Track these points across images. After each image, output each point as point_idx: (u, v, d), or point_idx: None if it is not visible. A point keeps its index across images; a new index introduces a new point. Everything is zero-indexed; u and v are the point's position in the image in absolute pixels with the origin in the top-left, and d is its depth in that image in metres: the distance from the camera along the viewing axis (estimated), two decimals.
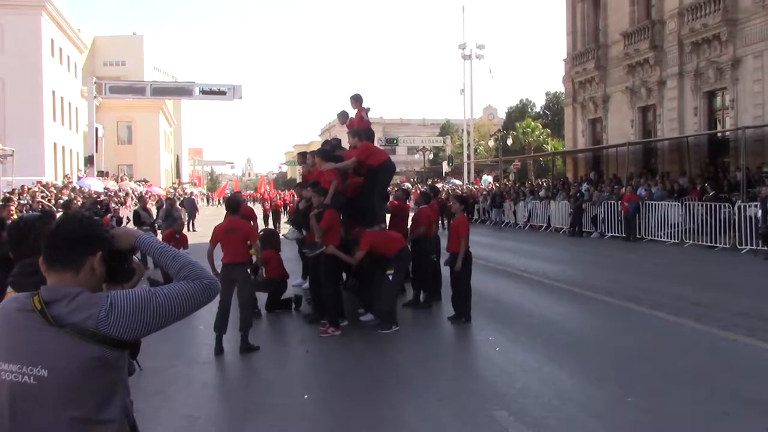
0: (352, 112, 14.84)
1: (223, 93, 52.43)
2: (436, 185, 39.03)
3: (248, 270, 10.66)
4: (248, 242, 10.44)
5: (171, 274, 2.95)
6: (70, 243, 2.73)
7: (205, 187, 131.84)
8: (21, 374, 2.58)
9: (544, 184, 42.00)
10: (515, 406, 7.39)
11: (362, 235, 11.50)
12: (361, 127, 13.37)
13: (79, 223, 2.81)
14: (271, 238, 14.31)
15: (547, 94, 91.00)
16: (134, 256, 3.12)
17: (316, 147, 15.66)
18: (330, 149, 12.97)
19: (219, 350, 10.00)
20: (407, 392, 8.04)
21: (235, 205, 10.99)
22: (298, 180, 18.82)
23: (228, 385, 8.92)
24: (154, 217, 23.20)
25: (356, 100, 14.59)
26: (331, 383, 8.63)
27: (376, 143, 15.02)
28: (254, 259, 10.99)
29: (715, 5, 31.02)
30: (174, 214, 21.15)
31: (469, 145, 66.36)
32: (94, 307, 2.63)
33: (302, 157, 15.10)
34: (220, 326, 10.06)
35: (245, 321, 10.17)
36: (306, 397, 8.02)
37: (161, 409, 7.59)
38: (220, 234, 10.53)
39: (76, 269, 2.72)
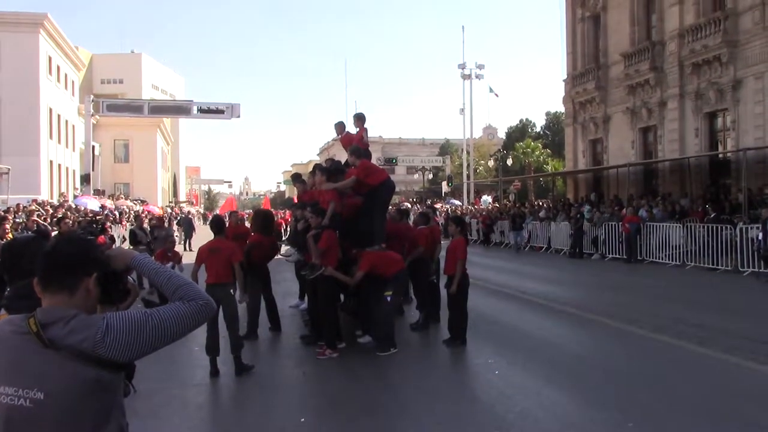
0: (353, 131, 14.74)
1: (222, 112, 52.44)
2: (435, 206, 38.82)
3: (231, 290, 10.51)
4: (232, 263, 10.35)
5: (166, 294, 2.93)
6: (66, 264, 2.72)
7: (202, 206, 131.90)
8: (17, 397, 2.54)
9: (545, 204, 41.88)
10: (514, 430, 7.30)
11: (362, 255, 11.35)
12: (360, 146, 13.25)
13: (74, 244, 2.81)
14: (260, 219, 14.11)
15: (548, 114, 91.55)
16: (129, 277, 3.08)
17: (314, 166, 15.57)
18: (333, 172, 12.83)
19: (214, 372, 9.89)
20: (405, 415, 7.90)
21: (219, 225, 10.91)
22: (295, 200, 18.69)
23: (223, 408, 8.76)
24: (150, 237, 23.02)
25: (359, 119, 14.57)
26: (328, 406, 8.49)
27: (374, 163, 14.92)
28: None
29: (715, 27, 31.15)
30: (156, 234, 20.95)
31: (468, 165, 66.37)
32: (90, 329, 2.60)
33: (297, 178, 14.97)
34: (212, 349, 9.95)
35: (235, 342, 10.06)
36: (302, 420, 7.90)
37: None
38: (204, 254, 10.49)
39: (71, 291, 2.70)
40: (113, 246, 20.43)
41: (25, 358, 2.57)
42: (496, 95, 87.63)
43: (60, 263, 2.72)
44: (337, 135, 15.28)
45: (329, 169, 12.54)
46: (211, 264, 10.28)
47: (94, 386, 2.59)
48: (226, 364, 10.22)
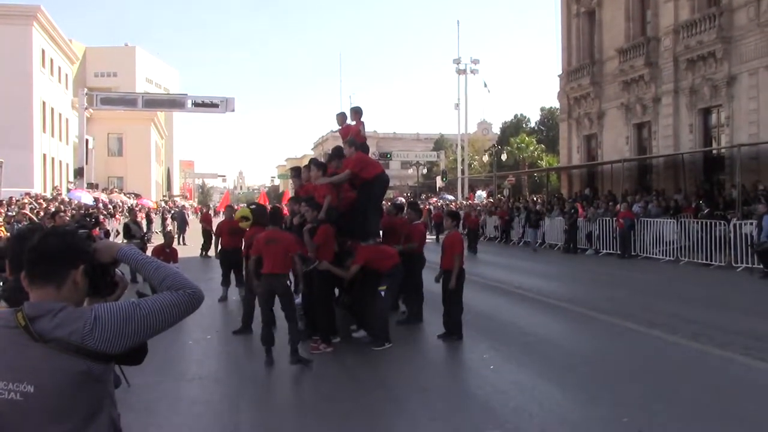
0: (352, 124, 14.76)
1: (216, 105, 52.20)
2: (415, 201, 38.66)
3: (289, 281, 10.45)
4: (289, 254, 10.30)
5: (154, 285, 2.92)
6: (52, 257, 2.72)
7: (196, 200, 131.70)
8: (7, 391, 2.53)
9: (539, 200, 41.85)
10: (509, 426, 7.27)
11: (357, 249, 11.32)
12: (357, 139, 13.22)
13: (60, 237, 2.79)
14: (258, 214, 14.03)
15: (542, 109, 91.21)
16: (117, 269, 3.06)
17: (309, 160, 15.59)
18: (329, 158, 12.81)
19: (270, 362, 9.95)
20: (400, 410, 7.88)
21: (277, 216, 10.86)
22: (291, 194, 18.66)
23: (217, 403, 8.68)
24: (145, 231, 22.98)
25: (356, 112, 14.60)
26: (322, 401, 8.45)
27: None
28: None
29: (710, 23, 31.15)
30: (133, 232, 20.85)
31: (463, 160, 66.42)
32: (79, 322, 2.60)
33: (295, 171, 14.92)
34: (268, 339, 9.99)
35: (295, 333, 10.01)
36: (296, 415, 7.84)
37: (149, 427, 7.43)
38: (260, 244, 10.38)
39: (58, 284, 2.71)
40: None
41: (14, 352, 2.56)
42: (488, 91, 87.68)
43: (46, 256, 2.71)
44: (339, 125, 15.29)
45: (324, 164, 12.52)
46: (268, 254, 10.15)
47: (84, 378, 2.59)
48: (216, 357, 10.20)
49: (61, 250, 2.73)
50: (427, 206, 44.79)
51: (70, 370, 2.55)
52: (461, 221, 31.11)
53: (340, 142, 14.12)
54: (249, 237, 13.00)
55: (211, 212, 55.84)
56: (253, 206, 14.52)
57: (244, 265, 14.26)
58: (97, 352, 2.60)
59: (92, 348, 2.58)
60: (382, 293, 11.14)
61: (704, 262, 22.67)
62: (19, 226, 19.78)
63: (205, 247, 29.34)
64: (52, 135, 57.42)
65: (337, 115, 15.43)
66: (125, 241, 20.53)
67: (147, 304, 2.76)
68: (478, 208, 43.73)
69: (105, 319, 2.64)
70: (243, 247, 14.00)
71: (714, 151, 32.74)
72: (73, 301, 2.72)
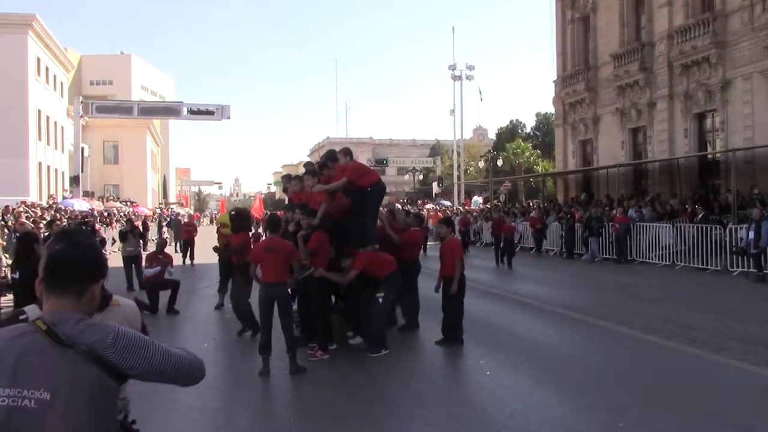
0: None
1: (211, 113, 52.16)
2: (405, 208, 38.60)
3: (289, 290, 10.46)
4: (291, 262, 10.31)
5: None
6: (80, 269, 2.74)
7: (192, 207, 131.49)
8: (21, 398, 2.49)
9: (535, 205, 41.83)
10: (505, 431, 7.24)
11: (356, 255, 11.30)
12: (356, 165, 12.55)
13: (84, 251, 2.80)
14: (242, 218, 13.76)
15: (538, 115, 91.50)
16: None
17: (302, 166, 15.46)
18: (323, 163, 12.67)
19: (265, 372, 9.85)
20: (396, 417, 7.88)
21: (276, 224, 10.84)
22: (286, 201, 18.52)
23: (213, 410, 8.66)
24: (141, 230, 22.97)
25: (346, 155, 12.49)
26: (319, 408, 8.44)
27: (365, 164, 14.82)
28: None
29: (704, 28, 31.24)
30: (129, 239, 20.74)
31: (459, 166, 66.33)
32: (102, 333, 2.63)
33: (288, 179, 14.87)
34: (266, 349, 9.91)
35: (291, 342, 9.99)
36: (293, 422, 7.90)
37: None
38: (259, 252, 10.38)
39: (79, 295, 2.72)
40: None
41: (31, 359, 2.54)
42: (481, 99, 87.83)
43: (73, 267, 2.72)
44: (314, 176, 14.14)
45: (316, 172, 12.49)
46: (267, 262, 10.11)
47: (101, 389, 2.58)
48: (217, 366, 10.19)
49: (85, 265, 2.76)
50: (440, 214, 44.65)
51: (89, 378, 2.54)
52: (492, 230, 30.94)
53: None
54: (238, 245, 13.01)
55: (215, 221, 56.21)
56: (233, 212, 14.30)
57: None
58: (114, 366, 2.60)
59: (111, 360, 2.59)
60: (380, 300, 11.13)
61: (700, 266, 22.69)
62: (17, 234, 19.77)
63: (187, 254, 30.44)
64: (48, 143, 57.24)
65: (305, 166, 14.79)
66: (122, 244, 20.64)
67: (163, 344, 2.79)
68: (474, 213, 43.65)
69: (126, 336, 2.66)
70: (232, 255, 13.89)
71: (709, 156, 32.81)
72: (88, 314, 2.74)
